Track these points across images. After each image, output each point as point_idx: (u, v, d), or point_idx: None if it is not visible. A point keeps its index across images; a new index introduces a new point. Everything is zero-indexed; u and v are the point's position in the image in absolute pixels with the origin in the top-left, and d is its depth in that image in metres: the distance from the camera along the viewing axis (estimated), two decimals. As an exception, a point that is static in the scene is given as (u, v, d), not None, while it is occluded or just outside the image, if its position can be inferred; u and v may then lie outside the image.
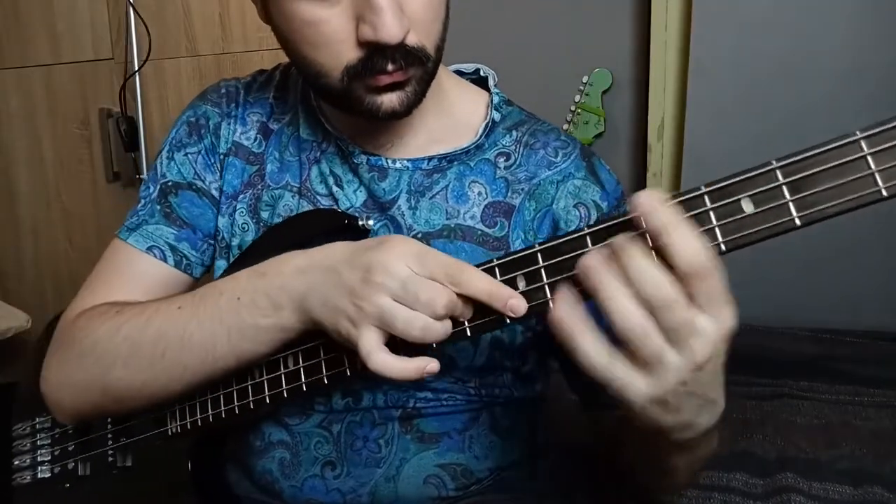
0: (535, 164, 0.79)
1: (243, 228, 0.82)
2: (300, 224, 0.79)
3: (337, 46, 0.66)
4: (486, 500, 0.80)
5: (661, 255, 0.48)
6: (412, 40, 0.67)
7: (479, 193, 0.78)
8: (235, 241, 0.83)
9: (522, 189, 0.78)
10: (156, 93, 1.97)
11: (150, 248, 0.81)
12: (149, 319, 0.71)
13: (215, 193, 0.84)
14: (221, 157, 0.84)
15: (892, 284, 1.66)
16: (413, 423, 0.78)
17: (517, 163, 0.79)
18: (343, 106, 0.72)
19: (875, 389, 1.37)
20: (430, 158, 0.79)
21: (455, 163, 0.79)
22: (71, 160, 2.07)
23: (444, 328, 0.59)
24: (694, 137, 1.73)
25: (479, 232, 0.77)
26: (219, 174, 0.84)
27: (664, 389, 0.49)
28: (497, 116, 0.81)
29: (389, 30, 0.63)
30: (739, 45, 1.66)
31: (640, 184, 1.86)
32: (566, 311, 0.50)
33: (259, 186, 0.82)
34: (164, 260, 0.81)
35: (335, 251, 0.63)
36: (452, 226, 0.77)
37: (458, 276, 0.58)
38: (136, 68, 1.90)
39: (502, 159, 0.79)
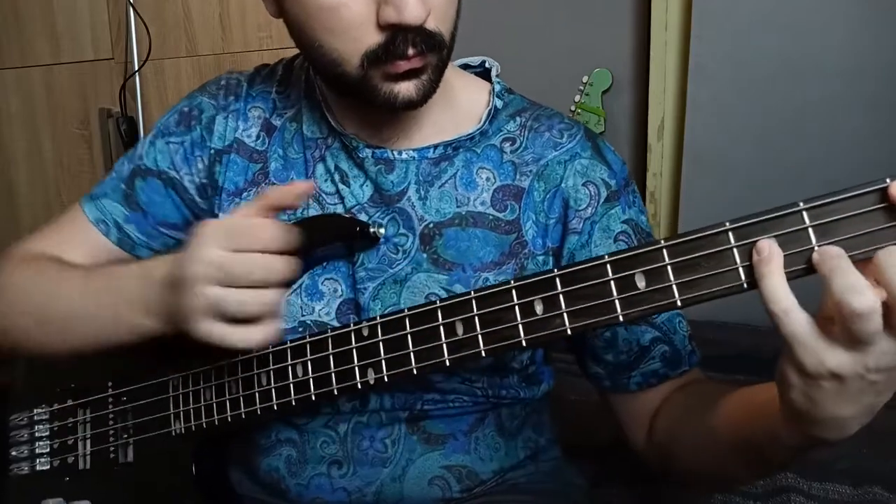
0: (541, 145, 0.79)
1: None
2: (312, 228, 0.78)
3: (356, 31, 0.66)
4: (490, 500, 0.80)
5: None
6: (431, 24, 0.67)
7: (488, 179, 0.78)
8: None
9: (530, 171, 0.78)
10: (156, 93, 1.97)
11: (98, 221, 0.86)
12: (57, 285, 0.78)
13: (188, 185, 0.85)
14: (213, 152, 0.84)
15: (891, 284, 1.66)
16: (420, 424, 0.78)
17: (523, 146, 0.79)
18: (358, 96, 0.71)
19: (875, 389, 1.37)
20: (436, 146, 0.79)
21: (461, 150, 0.79)
22: (71, 160, 2.07)
23: (274, 296, 0.61)
24: (694, 137, 1.73)
25: (491, 217, 0.77)
26: (202, 167, 0.84)
27: (854, 368, 0.47)
28: (499, 104, 0.81)
29: (413, 10, 0.63)
30: (739, 45, 1.66)
31: (640, 184, 1.86)
32: (767, 252, 0.48)
33: (263, 184, 0.82)
34: (107, 235, 0.86)
35: (170, 258, 0.67)
36: (464, 213, 0.77)
37: (246, 231, 0.61)
38: (136, 68, 1.90)
39: (508, 144, 0.79)
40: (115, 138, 1.98)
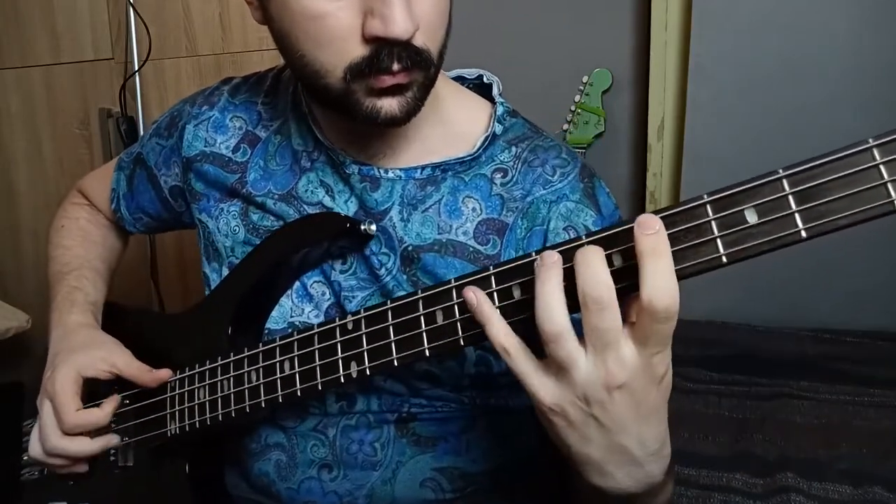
0: (532, 181, 0.76)
1: (234, 231, 0.83)
2: (303, 228, 0.78)
3: (341, 43, 0.64)
4: (483, 500, 0.80)
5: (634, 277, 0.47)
6: (419, 41, 0.65)
7: (474, 209, 0.76)
8: (227, 243, 0.83)
9: (517, 207, 0.75)
10: (156, 93, 1.97)
11: (112, 189, 0.99)
12: (66, 262, 0.95)
13: (163, 185, 0.93)
14: (185, 160, 0.88)
15: (892, 284, 1.66)
16: (409, 426, 0.77)
17: (514, 180, 0.76)
18: (341, 109, 0.69)
19: (875, 389, 1.38)
20: (424, 167, 0.77)
21: (449, 173, 0.77)
22: (71, 160, 2.07)
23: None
24: (694, 137, 1.73)
25: (471, 248, 0.75)
26: (178, 172, 0.90)
27: (566, 398, 0.49)
28: (499, 129, 0.78)
29: (400, 24, 0.61)
30: (739, 45, 1.66)
31: (640, 184, 1.86)
32: (478, 301, 0.53)
33: (243, 192, 0.83)
34: (112, 202, 1.00)
35: (64, 343, 0.84)
36: (444, 241, 0.75)
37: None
38: (136, 68, 1.90)
39: (499, 175, 0.77)
40: (115, 138, 1.98)
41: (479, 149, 0.77)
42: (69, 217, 1.03)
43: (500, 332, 0.52)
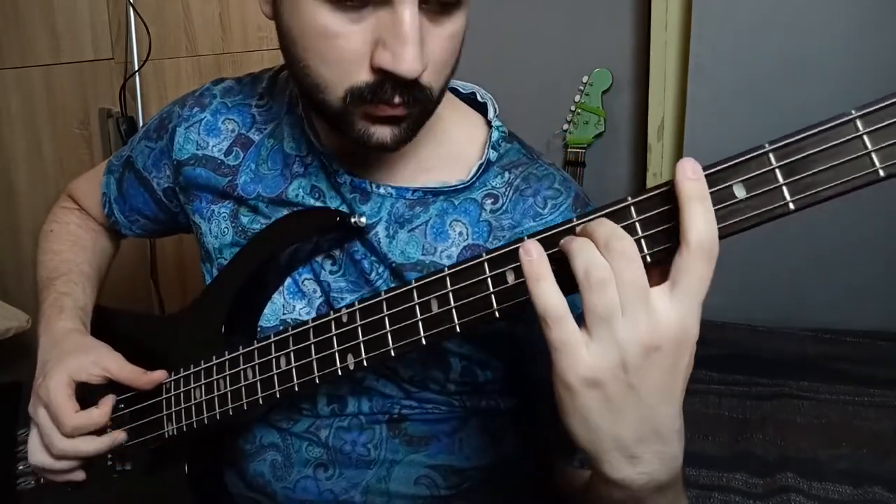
0: (522, 212, 0.75)
1: (223, 232, 0.83)
2: (292, 224, 0.78)
3: (347, 66, 0.64)
4: (478, 496, 0.80)
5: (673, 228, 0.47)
6: (424, 79, 0.64)
7: (460, 233, 0.75)
8: (216, 244, 0.84)
9: (504, 236, 0.74)
10: (156, 93, 1.97)
11: (102, 194, 0.99)
12: (55, 268, 0.95)
13: (156, 187, 0.92)
14: (176, 162, 0.87)
15: (892, 284, 1.66)
16: (401, 426, 0.77)
17: (504, 208, 0.75)
18: (334, 125, 0.69)
19: (875, 389, 1.38)
20: (416, 190, 0.76)
21: (440, 196, 0.76)
22: (71, 160, 2.07)
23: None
24: (694, 137, 1.73)
25: None
26: (169, 174, 0.90)
27: (606, 367, 0.47)
28: (493, 155, 0.77)
29: (411, 64, 0.61)
30: (739, 45, 1.66)
31: (640, 184, 1.86)
32: (536, 254, 0.50)
33: (235, 195, 0.83)
34: (104, 206, 0.99)
35: (53, 350, 0.83)
36: (427, 262, 0.74)
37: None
38: (136, 68, 1.90)
39: (489, 201, 0.75)
40: (115, 138, 1.98)
41: (472, 176, 0.76)
42: (58, 221, 1.02)
43: (553, 291, 0.49)
